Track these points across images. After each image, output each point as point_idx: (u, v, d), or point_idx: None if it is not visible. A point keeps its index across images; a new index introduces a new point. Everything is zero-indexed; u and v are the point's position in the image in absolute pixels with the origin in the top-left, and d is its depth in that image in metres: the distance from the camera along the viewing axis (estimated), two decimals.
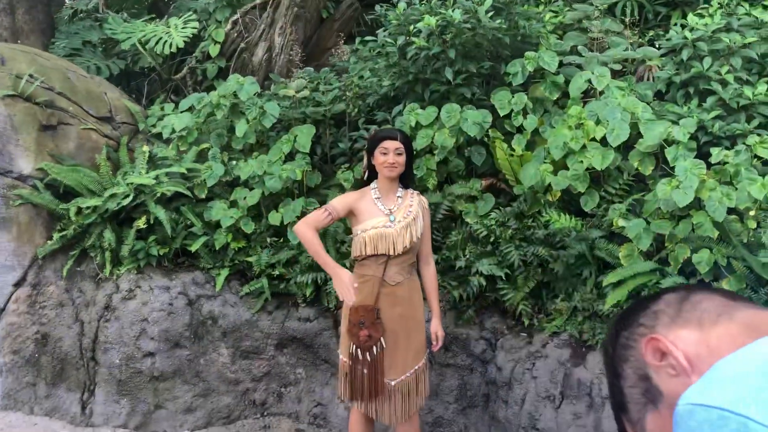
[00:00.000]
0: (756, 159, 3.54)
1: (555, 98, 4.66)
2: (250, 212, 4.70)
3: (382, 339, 3.28)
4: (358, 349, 3.28)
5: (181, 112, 5.21)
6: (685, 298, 0.96)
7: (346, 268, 3.53)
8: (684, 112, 3.90)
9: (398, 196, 3.42)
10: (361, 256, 3.31)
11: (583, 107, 4.30)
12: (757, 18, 4.28)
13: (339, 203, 3.38)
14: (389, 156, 3.32)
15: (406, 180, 3.46)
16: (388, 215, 3.33)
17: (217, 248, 4.60)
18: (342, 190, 4.79)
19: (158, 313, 4.43)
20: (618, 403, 0.98)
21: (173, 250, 4.67)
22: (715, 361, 0.83)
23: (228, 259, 4.64)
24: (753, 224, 3.32)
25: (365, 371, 3.28)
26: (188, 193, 4.75)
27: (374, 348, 3.27)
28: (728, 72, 3.98)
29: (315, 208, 4.02)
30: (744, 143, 3.54)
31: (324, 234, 4.54)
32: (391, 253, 3.28)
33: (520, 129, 4.52)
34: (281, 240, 4.66)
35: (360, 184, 3.53)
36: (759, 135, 3.52)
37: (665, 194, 3.40)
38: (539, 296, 3.97)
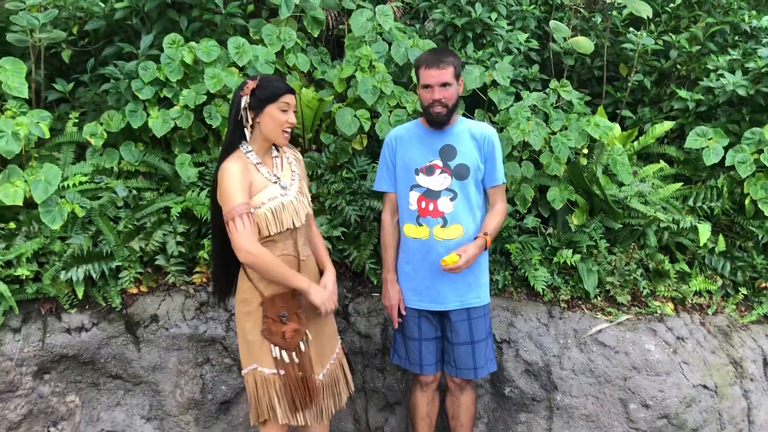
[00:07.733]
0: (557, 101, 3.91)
1: (316, 35, 4.30)
2: None
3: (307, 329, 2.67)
4: (283, 351, 2.59)
5: None
6: None
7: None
8: (477, 56, 4.03)
9: (274, 157, 2.74)
10: (262, 237, 2.58)
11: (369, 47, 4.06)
12: None
13: (239, 191, 2.49)
14: (290, 113, 2.63)
15: None
16: (277, 182, 2.66)
17: None
18: (83, 149, 3.59)
19: None
20: None
21: None
22: None
23: None
24: (584, 161, 3.70)
25: (299, 374, 2.62)
26: None
27: (301, 343, 2.63)
28: (497, 18, 4.25)
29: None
30: (549, 87, 3.87)
31: (94, 207, 3.37)
32: (297, 225, 2.65)
33: (290, 70, 4.05)
34: (13, 225, 3.28)
35: (228, 148, 2.66)
36: (557, 80, 3.88)
37: (519, 137, 3.51)
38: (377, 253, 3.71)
